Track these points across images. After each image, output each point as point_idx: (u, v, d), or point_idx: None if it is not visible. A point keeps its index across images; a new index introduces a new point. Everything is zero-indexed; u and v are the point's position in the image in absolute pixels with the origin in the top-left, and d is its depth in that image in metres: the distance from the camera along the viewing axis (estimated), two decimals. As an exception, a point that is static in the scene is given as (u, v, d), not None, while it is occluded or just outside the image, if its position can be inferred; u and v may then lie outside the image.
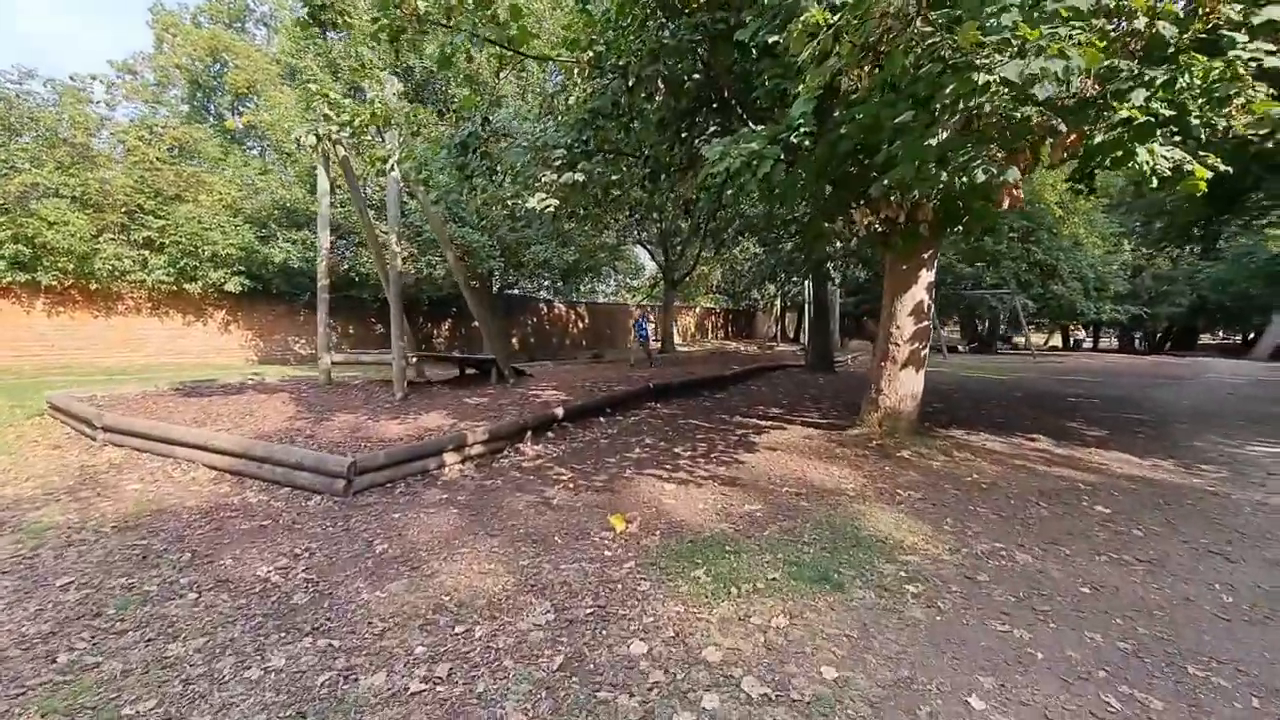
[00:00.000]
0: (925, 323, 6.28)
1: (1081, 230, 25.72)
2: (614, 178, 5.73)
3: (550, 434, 6.76)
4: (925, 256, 6.11)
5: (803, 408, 8.99)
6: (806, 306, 25.30)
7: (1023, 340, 38.74)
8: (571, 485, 5.08)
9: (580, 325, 27.96)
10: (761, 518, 4.29)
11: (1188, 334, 35.36)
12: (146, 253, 14.03)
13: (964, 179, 4.09)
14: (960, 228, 5.95)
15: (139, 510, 4.55)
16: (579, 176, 4.69)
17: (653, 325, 16.24)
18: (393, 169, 6.96)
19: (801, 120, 4.26)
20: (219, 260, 14.94)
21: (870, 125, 4.18)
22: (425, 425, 6.50)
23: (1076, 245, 25.49)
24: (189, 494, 4.92)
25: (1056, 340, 42.27)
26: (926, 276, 6.18)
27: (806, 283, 22.85)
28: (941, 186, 4.48)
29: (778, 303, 27.36)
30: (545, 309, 26.08)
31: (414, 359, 7.96)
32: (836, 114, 4.48)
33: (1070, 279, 25.46)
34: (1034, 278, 24.54)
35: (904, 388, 6.39)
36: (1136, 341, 39.23)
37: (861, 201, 5.61)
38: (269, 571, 3.49)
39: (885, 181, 4.41)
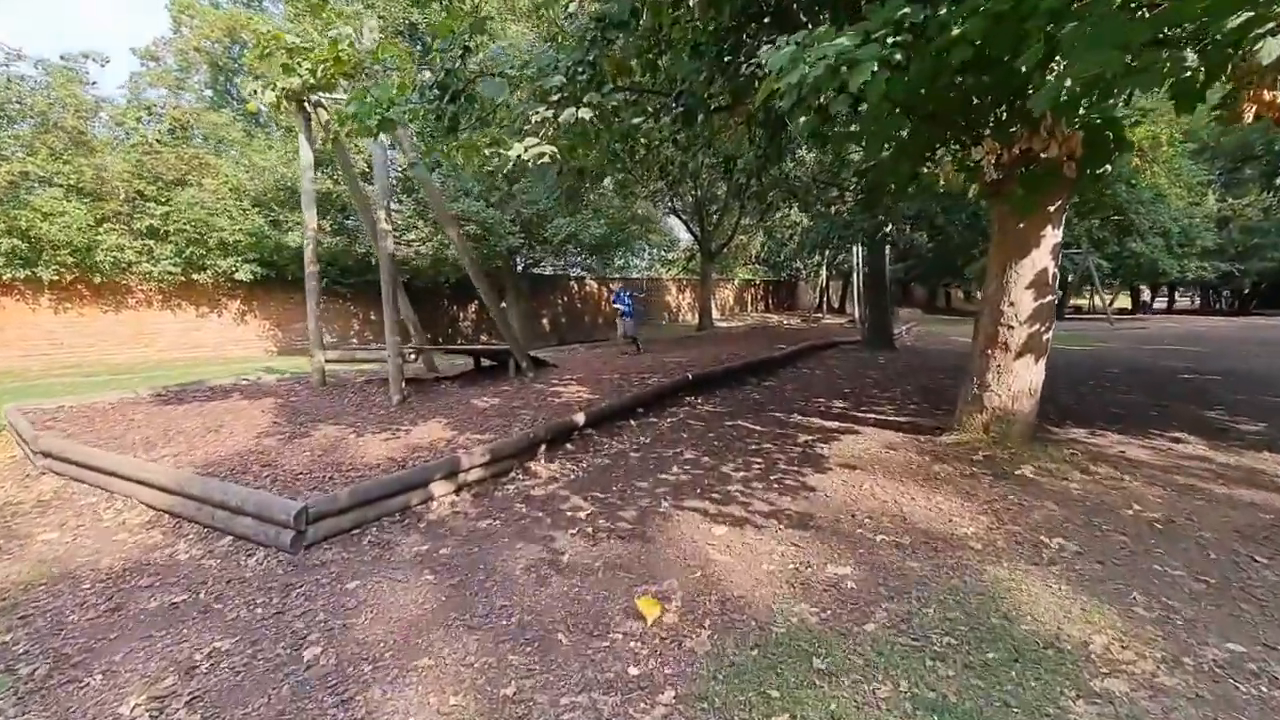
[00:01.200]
0: (1049, 298, 4.80)
1: (1164, 180, 23.05)
2: (635, 121, 4.39)
3: (569, 445, 5.55)
4: (1053, 210, 4.60)
5: (871, 399, 7.57)
6: (855, 275, 23.49)
7: (1090, 304, 35.91)
8: (590, 529, 3.85)
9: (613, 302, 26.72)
10: (856, 591, 2.99)
11: (1277, 292, 32.09)
12: (151, 242, 13.28)
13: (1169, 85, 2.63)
14: (1099, 170, 4.41)
15: (35, 576, 3.52)
16: (584, 113, 3.40)
17: (639, 297, 13.80)
18: (377, 134, 5.75)
19: (908, 10, 2.86)
20: (228, 248, 14.13)
21: (1007, 12, 2.76)
22: (417, 441, 5.36)
23: (1158, 198, 22.89)
24: (110, 547, 3.89)
25: (1123, 302, 39.21)
26: (1053, 237, 4.68)
27: (856, 249, 21.09)
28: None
29: (823, 272, 25.52)
30: (576, 287, 24.90)
31: (413, 354, 6.84)
32: (944, 10, 3.05)
33: (1151, 235, 22.89)
34: (1108, 234, 22.13)
35: (1019, 382, 4.94)
36: (1220, 301, 35.94)
37: (977, 133, 4.15)
38: (137, 709, 2.37)
39: (1034, 98, 2.95)
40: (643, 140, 6.61)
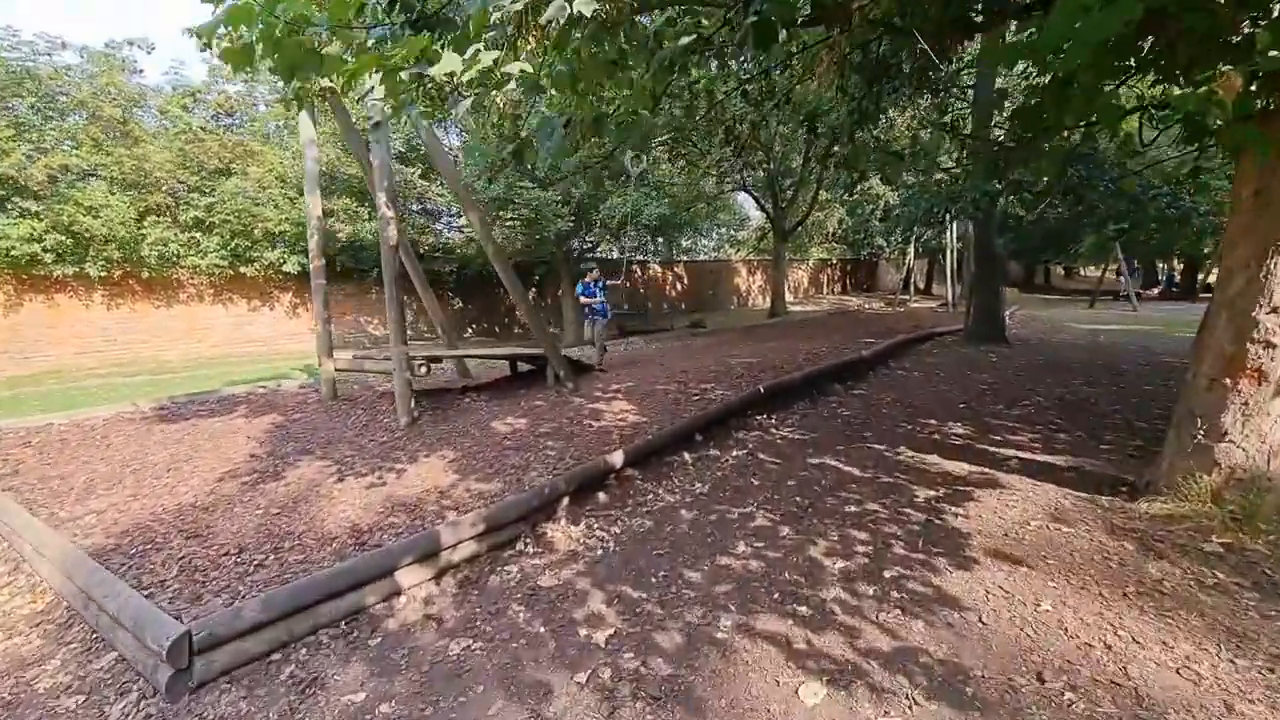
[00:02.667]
0: (1344, 300, 3.01)
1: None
2: (684, 41, 2.91)
3: (602, 496, 4.21)
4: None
5: (1000, 420, 5.84)
6: (948, 253, 20.93)
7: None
8: (609, 672, 2.50)
9: (679, 287, 25.23)
10: None
11: None
12: (197, 235, 12.86)
13: None
14: None
15: None
16: (584, 6, 1.98)
17: (615, 286, 10.87)
18: (369, 90, 4.55)
19: None
20: (275, 239, 13.59)
21: None
22: (405, 492, 4.16)
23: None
24: (-31, 656, 2.88)
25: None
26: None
27: (951, 224, 18.63)
28: None
29: (910, 251, 23.00)
30: (639, 272, 23.51)
31: (423, 366, 5.67)
32: None
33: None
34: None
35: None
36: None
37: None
38: None
39: None
40: (699, 84, 5.08)
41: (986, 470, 4.43)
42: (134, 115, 12.51)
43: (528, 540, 3.65)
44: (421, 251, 14.97)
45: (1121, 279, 21.53)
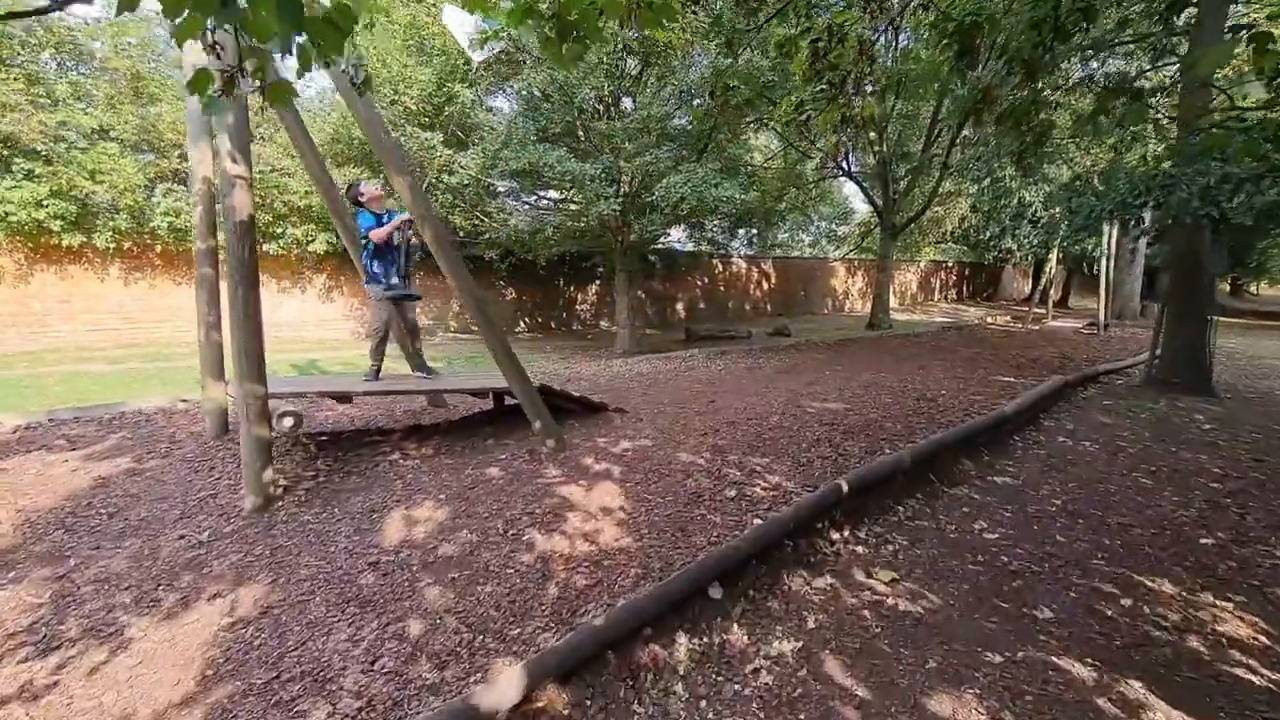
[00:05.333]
0: None
1: None
2: None
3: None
4: None
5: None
6: (1104, 261, 16.81)
7: None
8: None
9: (765, 287, 22.38)
10: None
11: None
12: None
13: None
14: None
15: None
16: None
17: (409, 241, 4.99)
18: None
19: None
20: (299, 214, 12.17)
21: None
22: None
23: None
24: None
25: None
26: None
27: (1110, 227, 14.72)
28: None
29: (1053, 257, 18.91)
30: (720, 267, 20.90)
31: (287, 419, 3.51)
32: None
33: None
34: None
35: None
36: None
37: None
38: None
39: None
40: None
41: None
42: (152, 70, 11.34)
43: None
44: (462, 237, 13.19)
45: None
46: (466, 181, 9.44)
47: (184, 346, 11.51)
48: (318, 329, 13.80)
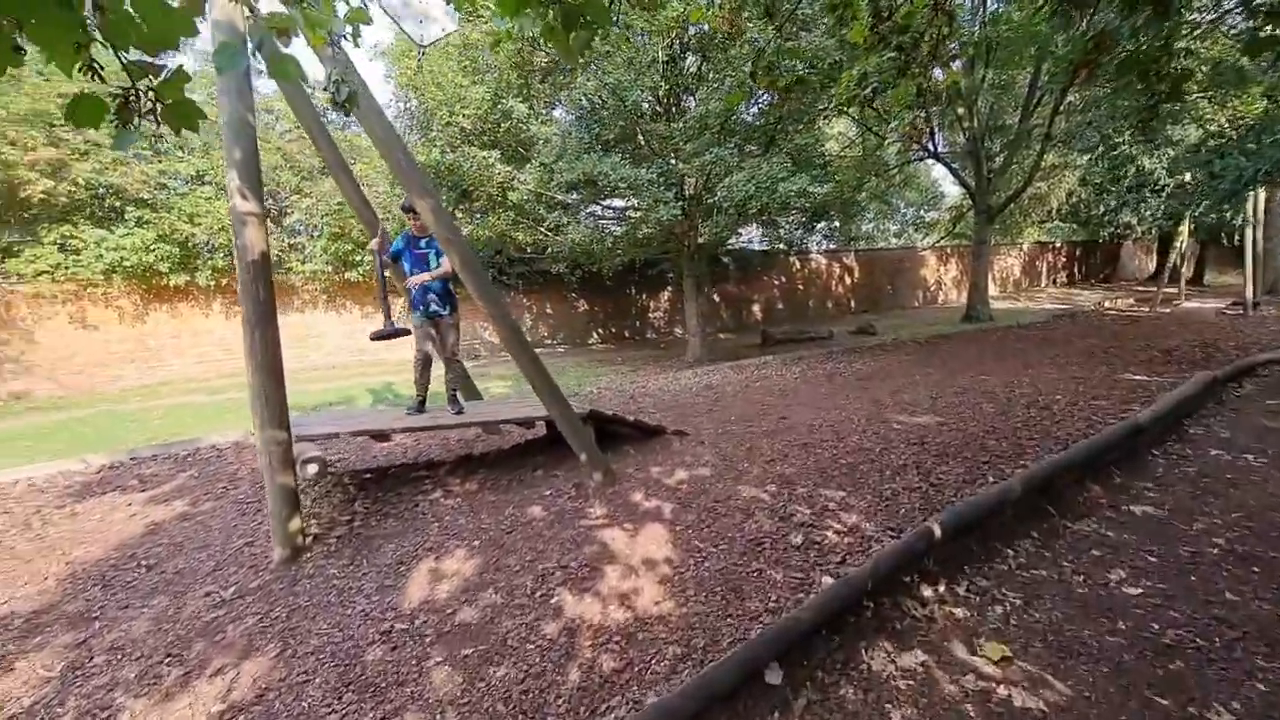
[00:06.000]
0: None
1: None
2: None
3: None
4: None
5: None
6: (1251, 228, 14.49)
7: None
8: None
9: (847, 282, 21.16)
10: None
11: None
12: (302, 239, 12.21)
13: None
14: None
15: None
16: None
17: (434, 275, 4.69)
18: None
19: None
20: (377, 240, 12.55)
21: None
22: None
23: None
24: None
25: None
26: None
27: (1256, 193, 12.62)
28: None
29: (1184, 229, 16.55)
30: (798, 265, 19.94)
31: (311, 464, 3.30)
32: None
33: None
34: None
35: None
36: None
37: None
38: None
39: None
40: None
41: None
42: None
43: None
44: (529, 254, 13.19)
45: None
46: (526, 197, 9.29)
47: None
48: (400, 350, 14.21)
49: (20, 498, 4.78)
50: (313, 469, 3.31)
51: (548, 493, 4.15)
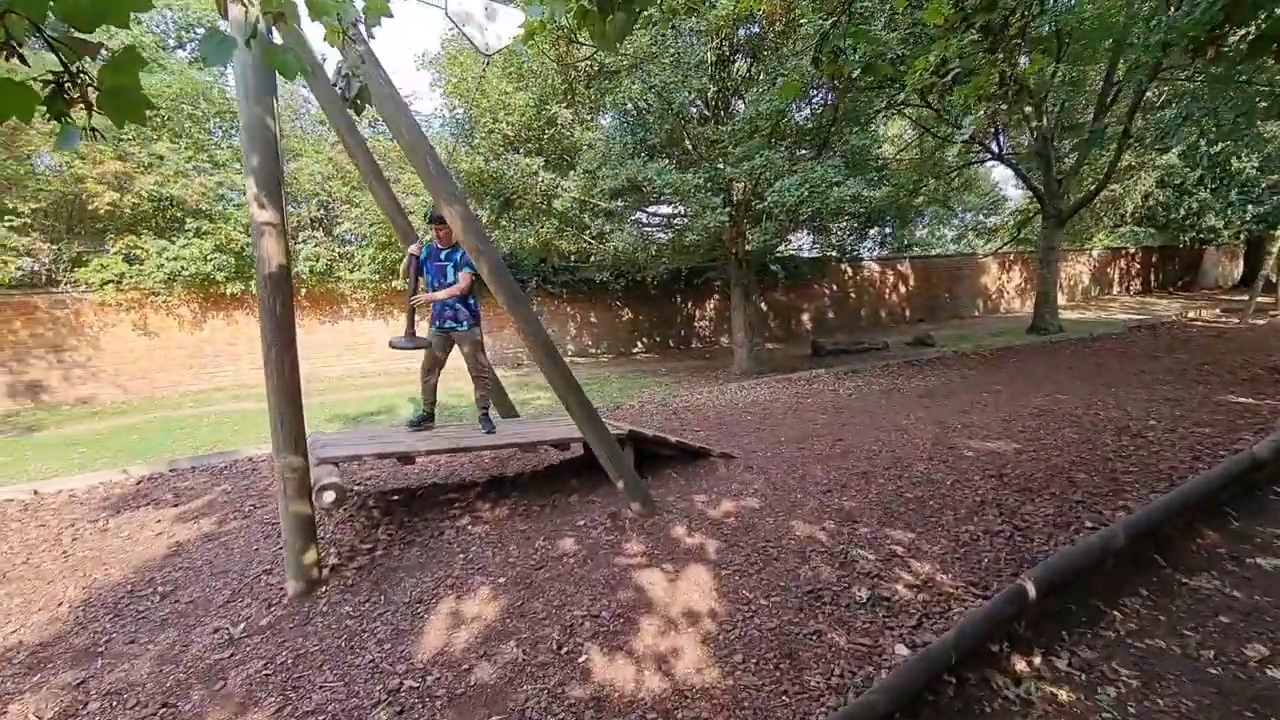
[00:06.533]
0: None
1: None
2: None
3: None
4: None
5: None
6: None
7: None
8: None
9: (902, 290, 20.31)
10: None
11: None
12: (351, 247, 12.35)
13: None
14: None
15: None
16: None
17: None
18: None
19: None
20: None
21: None
22: None
23: None
24: None
25: None
26: None
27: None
28: None
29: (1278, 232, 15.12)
30: (850, 272, 19.22)
31: (328, 491, 3.07)
32: None
33: None
34: None
35: None
36: None
37: None
38: None
39: None
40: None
41: None
42: (294, 129, 12.32)
43: None
44: (573, 262, 13.01)
45: None
46: (569, 205, 9.08)
47: (321, 381, 12.30)
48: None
49: (59, 510, 4.76)
50: (329, 497, 3.09)
51: (581, 523, 3.84)
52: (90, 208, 10.68)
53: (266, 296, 3.05)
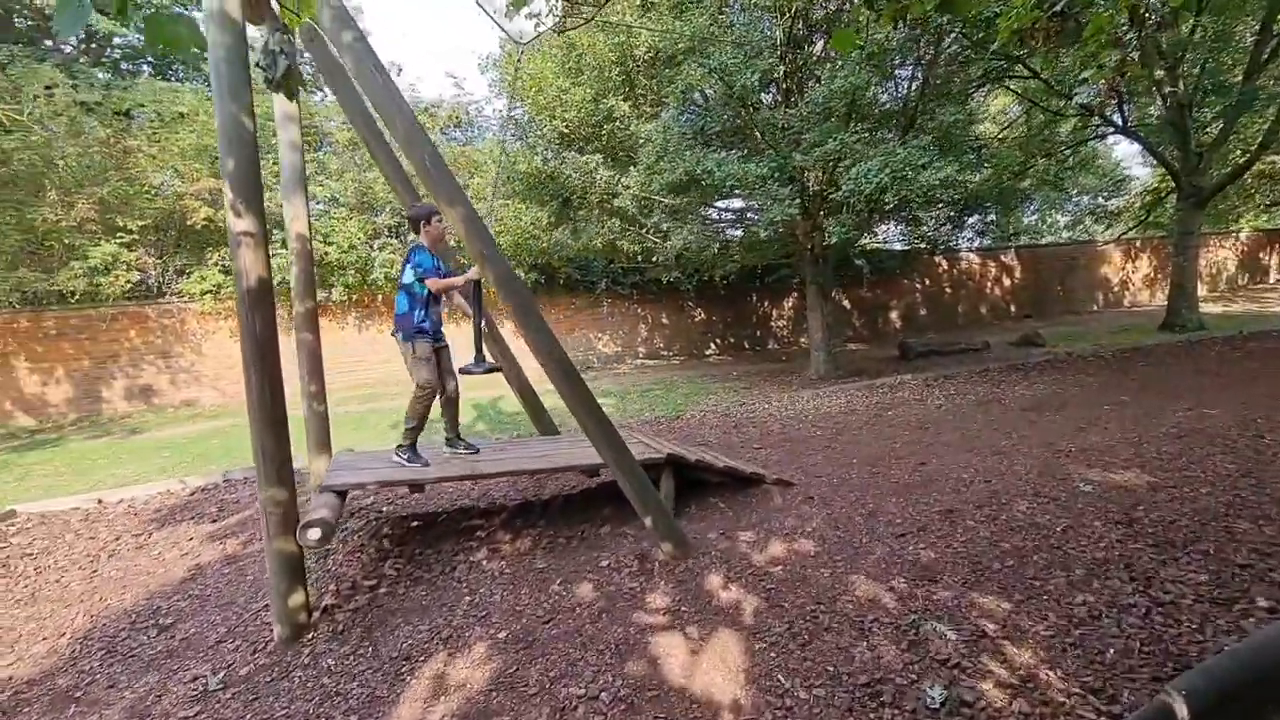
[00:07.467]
0: None
1: None
2: None
3: None
4: None
5: None
6: None
7: None
8: None
9: (1006, 284, 18.48)
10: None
11: None
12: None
13: None
14: None
15: None
16: None
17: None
18: None
19: None
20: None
21: None
22: None
23: None
24: None
25: None
26: None
27: None
28: None
29: None
30: (944, 265, 17.68)
31: (314, 529, 2.75)
32: None
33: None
34: None
35: None
36: None
37: None
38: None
39: None
40: None
41: None
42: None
43: None
44: (639, 263, 12.62)
45: None
46: (629, 203, 8.64)
47: (396, 386, 12.54)
48: (517, 359, 14.26)
49: (113, 521, 4.84)
50: (314, 535, 2.79)
51: (605, 563, 3.36)
52: (188, 223, 11.36)
53: (245, 314, 2.78)
